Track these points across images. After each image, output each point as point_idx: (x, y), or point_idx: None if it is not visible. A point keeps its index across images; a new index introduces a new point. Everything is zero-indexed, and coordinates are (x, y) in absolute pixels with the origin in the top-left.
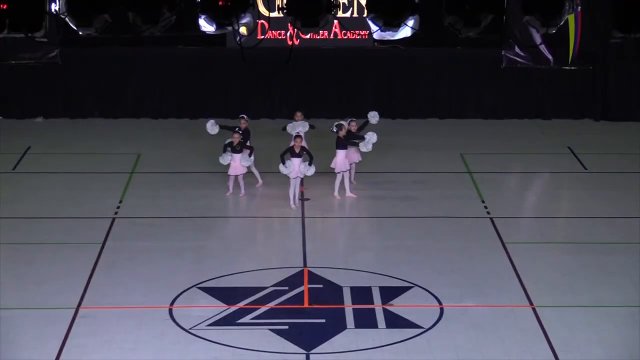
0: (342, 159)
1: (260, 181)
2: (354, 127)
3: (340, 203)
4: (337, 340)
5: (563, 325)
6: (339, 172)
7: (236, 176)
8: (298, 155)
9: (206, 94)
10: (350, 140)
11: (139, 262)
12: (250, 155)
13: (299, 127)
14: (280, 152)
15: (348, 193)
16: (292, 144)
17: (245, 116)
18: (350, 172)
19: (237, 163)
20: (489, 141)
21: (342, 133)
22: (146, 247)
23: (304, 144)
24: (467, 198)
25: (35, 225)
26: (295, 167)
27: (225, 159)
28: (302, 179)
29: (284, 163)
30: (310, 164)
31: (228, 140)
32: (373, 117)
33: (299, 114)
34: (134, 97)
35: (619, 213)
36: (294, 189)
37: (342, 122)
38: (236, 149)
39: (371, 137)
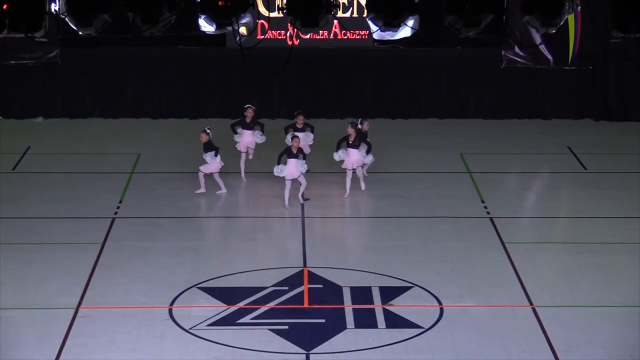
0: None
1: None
2: (365, 126)
3: (340, 203)
4: (337, 340)
5: (563, 325)
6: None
7: (211, 174)
8: (295, 156)
9: (206, 94)
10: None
11: (139, 262)
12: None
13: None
14: (278, 152)
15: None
16: (289, 144)
17: (252, 105)
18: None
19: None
20: (489, 141)
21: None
22: (146, 247)
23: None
24: (467, 198)
25: (35, 225)
26: (292, 169)
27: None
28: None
29: (279, 163)
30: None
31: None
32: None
33: (300, 119)
34: (134, 97)
35: (619, 213)
36: (289, 190)
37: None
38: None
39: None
